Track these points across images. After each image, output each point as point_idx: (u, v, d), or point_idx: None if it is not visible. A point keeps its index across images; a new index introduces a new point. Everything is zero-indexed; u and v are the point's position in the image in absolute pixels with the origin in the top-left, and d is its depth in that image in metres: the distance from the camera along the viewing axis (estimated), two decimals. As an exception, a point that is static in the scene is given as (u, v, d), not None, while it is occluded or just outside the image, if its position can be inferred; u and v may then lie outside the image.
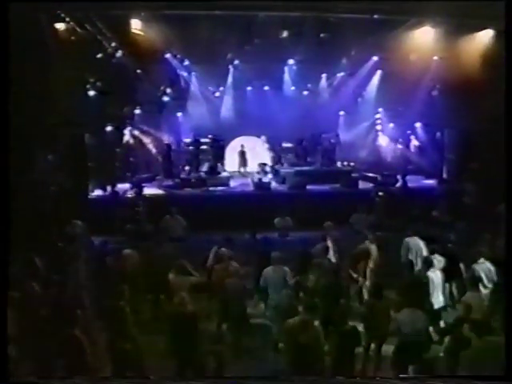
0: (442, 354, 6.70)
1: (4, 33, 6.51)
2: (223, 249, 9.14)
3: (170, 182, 16.68)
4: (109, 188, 15.18)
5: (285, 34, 15.60)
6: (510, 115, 7.32)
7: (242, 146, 19.30)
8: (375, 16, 13.37)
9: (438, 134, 17.29)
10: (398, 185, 14.72)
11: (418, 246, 9.67)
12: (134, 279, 9.09)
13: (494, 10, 11.59)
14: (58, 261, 9.63)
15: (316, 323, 6.14)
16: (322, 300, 7.18)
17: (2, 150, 6.05)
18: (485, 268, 8.39)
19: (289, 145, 19.18)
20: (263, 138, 19.53)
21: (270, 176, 17.19)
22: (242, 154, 19.21)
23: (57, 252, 10.24)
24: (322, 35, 15.20)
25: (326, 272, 8.29)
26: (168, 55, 17.63)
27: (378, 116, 20.42)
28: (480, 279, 8.19)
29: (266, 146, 19.45)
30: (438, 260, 8.88)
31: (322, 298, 7.35)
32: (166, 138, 19.11)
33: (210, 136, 18.61)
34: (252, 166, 18.92)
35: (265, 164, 18.40)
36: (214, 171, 17.31)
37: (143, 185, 15.23)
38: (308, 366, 5.83)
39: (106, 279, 9.12)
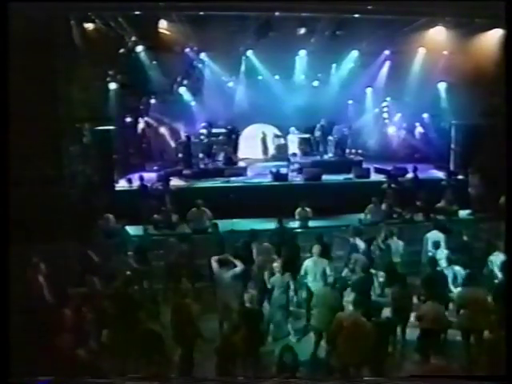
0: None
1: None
2: (266, 244, 10.04)
3: (188, 172, 17.07)
4: (134, 179, 15.75)
5: (300, 31, 16.10)
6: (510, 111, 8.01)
7: (264, 132, 19.88)
8: (389, 17, 14.02)
9: (444, 124, 17.94)
10: (409, 176, 15.28)
11: (437, 239, 10.31)
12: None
13: (501, 10, 12.24)
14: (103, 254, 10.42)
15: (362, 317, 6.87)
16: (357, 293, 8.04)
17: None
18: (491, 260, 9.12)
19: (305, 135, 19.41)
20: (292, 128, 19.57)
21: (296, 166, 17.38)
22: (264, 141, 19.79)
23: (99, 246, 10.98)
24: (337, 32, 15.75)
25: (360, 266, 9.02)
26: (187, 49, 18.04)
27: (384, 104, 21.06)
28: (481, 274, 8.93)
29: (296, 135, 19.58)
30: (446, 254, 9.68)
31: (356, 290, 8.18)
32: (185, 129, 19.51)
33: (228, 127, 19.06)
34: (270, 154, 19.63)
35: (295, 154, 18.84)
36: (231, 161, 17.93)
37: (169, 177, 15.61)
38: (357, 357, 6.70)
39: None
